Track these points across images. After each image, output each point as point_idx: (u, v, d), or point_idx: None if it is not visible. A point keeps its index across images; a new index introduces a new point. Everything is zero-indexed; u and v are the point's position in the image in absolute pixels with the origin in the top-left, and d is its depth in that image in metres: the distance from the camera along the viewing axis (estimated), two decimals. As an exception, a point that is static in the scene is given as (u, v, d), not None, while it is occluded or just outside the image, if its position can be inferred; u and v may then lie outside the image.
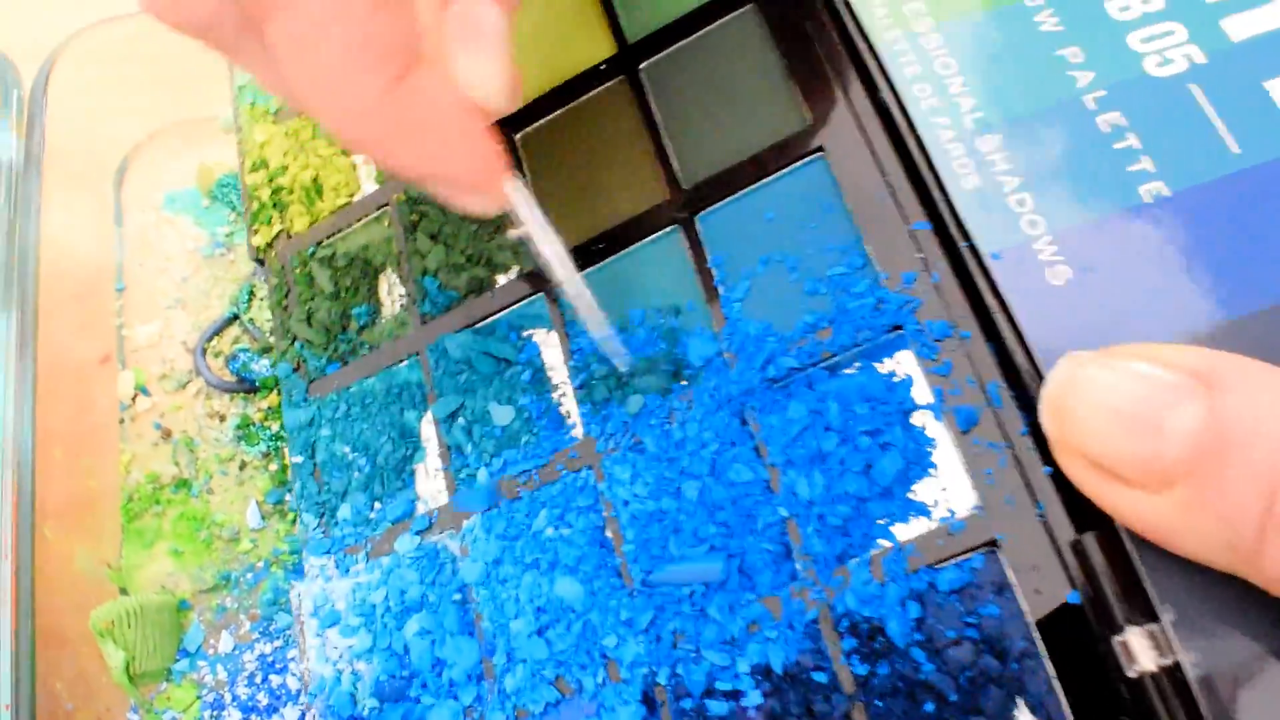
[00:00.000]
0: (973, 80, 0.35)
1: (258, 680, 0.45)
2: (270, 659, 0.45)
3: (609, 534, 0.35)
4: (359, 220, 0.43)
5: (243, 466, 0.50)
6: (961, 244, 0.33)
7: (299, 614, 0.39)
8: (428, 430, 0.39)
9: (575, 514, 0.35)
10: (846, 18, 0.37)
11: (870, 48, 0.36)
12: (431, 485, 0.38)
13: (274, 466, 0.49)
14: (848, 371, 0.34)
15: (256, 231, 0.46)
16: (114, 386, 0.54)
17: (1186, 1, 0.34)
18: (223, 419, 0.52)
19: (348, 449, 0.39)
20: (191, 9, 0.31)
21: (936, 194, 0.34)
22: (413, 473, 0.38)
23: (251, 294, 0.53)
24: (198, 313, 0.55)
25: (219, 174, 0.57)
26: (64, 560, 0.47)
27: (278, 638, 0.46)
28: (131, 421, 0.53)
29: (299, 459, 0.41)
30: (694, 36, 0.40)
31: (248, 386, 0.51)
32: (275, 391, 0.50)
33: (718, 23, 0.39)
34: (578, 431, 0.36)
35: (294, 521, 0.47)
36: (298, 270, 0.44)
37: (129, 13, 0.56)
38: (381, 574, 0.37)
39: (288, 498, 0.48)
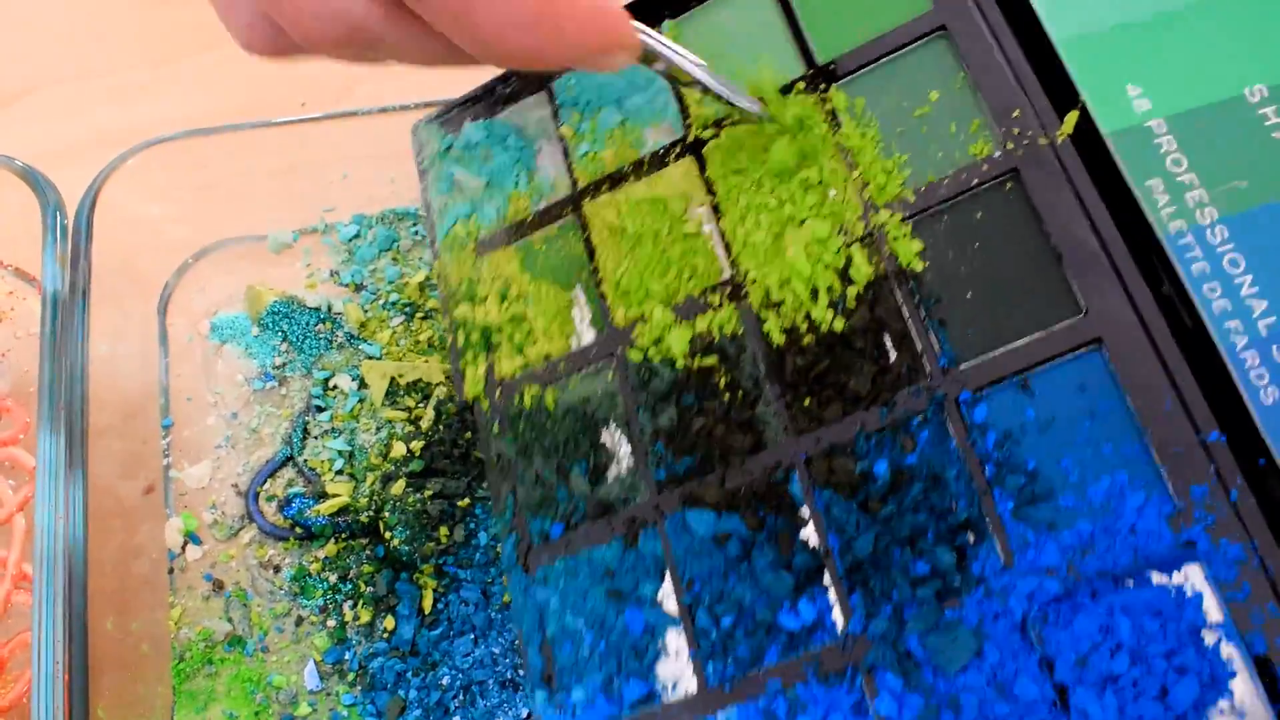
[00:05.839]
0: (1264, 280, 0.36)
1: None
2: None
3: (878, 741, 0.36)
4: (579, 370, 0.44)
5: (299, 623, 0.51)
6: (1260, 461, 0.34)
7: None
8: (670, 606, 0.40)
9: (840, 718, 0.36)
10: (1122, 201, 0.38)
11: (1152, 239, 0.37)
12: (674, 667, 0.40)
13: (332, 623, 0.50)
14: (1133, 584, 0.35)
15: (464, 373, 0.46)
16: (160, 523, 0.55)
17: None
18: (277, 570, 0.52)
19: (580, 623, 0.40)
20: (347, 11, 0.35)
21: (1231, 405, 0.35)
22: (655, 653, 0.39)
23: (305, 432, 0.54)
24: (249, 452, 0.56)
25: (269, 299, 0.57)
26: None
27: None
28: (181, 572, 0.54)
29: (523, 629, 0.42)
30: (962, 198, 0.40)
31: (304, 534, 0.51)
32: (332, 540, 0.51)
33: (985, 187, 0.40)
34: (840, 625, 0.37)
35: (354, 683, 0.47)
36: (511, 421, 0.45)
37: (172, 135, 0.57)
38: (627, 763, 0.39)
39: (346, 656, 0.48)
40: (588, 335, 0.46)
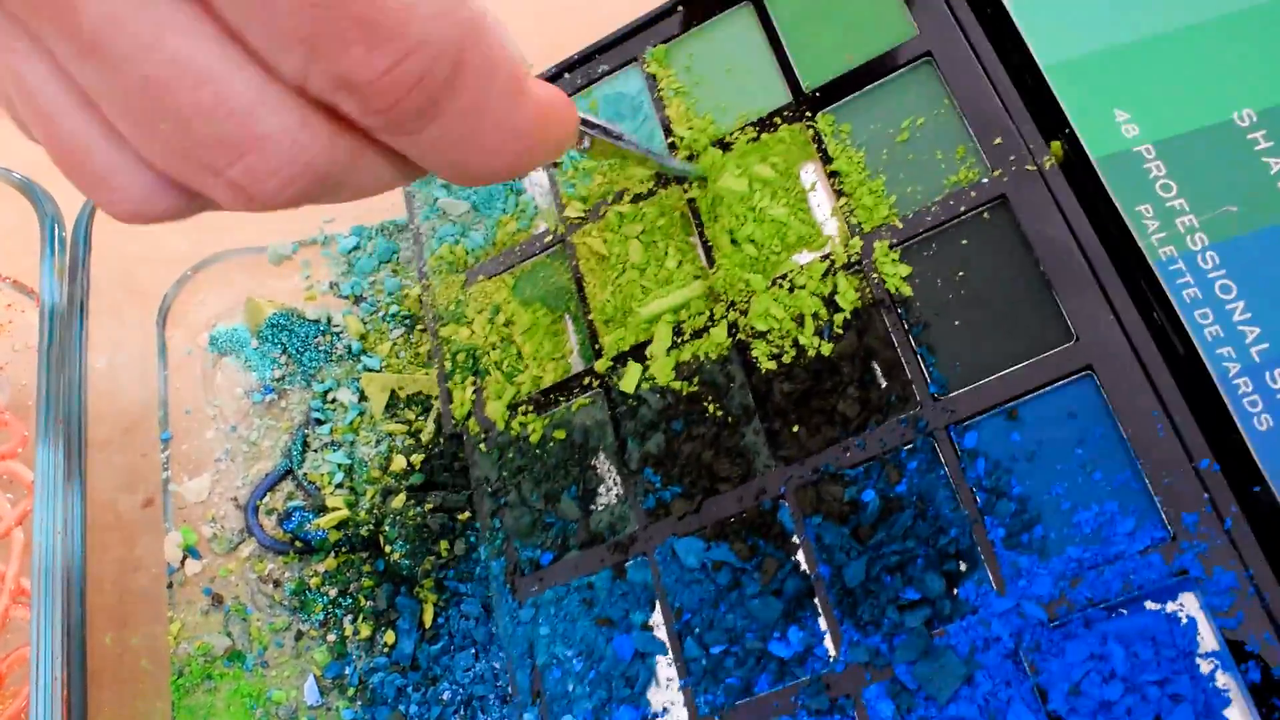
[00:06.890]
0: (1255, 305, 0.35)
1: None
2: None
3: (870, 770, 0.35)
4: (567, 399, 0.44)
5: (299, 637, 0.50)
6: (1254, 488, 0.34)
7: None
8: (660, 635, 0.39)
9: (834, 747, 0.36)
10: (1111, 227, 0.37)
11: (1143, 265, 0.36)
12: (665, 695, 0.39)
13: (332, 637, 0.49)
14: (1127, 612, 0.34)
15: (451, 394, 0.46)
16: (159, 537, 0.54)
17: None
18: (277, 584, 0.52)
19: (570, 652, 0.40)
20: (311, 162, 0.25)
21: (1225, 432, 0.34)
22: (645, 681, 0.39)
23: (305, 445, 0.53)
24: (248, 465, 0.55)
25: (269, 311, 0.56)
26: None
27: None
28: (180, 587, 0.53)
29: (514, 656, 0.41)
30: (950, 224, 0.40)
31: (304, 548, 0.51)
32: (332, 554, 0.50)
33: (973, 213, 0.40)
34: (831, 653, 0.37)
35: (354, 698, 0.47)
36: (500, 446, 0.44)
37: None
38: (618, 794, 0.38)
39: (346, 671, 0.48)
40: (576, 364, 0.45)
